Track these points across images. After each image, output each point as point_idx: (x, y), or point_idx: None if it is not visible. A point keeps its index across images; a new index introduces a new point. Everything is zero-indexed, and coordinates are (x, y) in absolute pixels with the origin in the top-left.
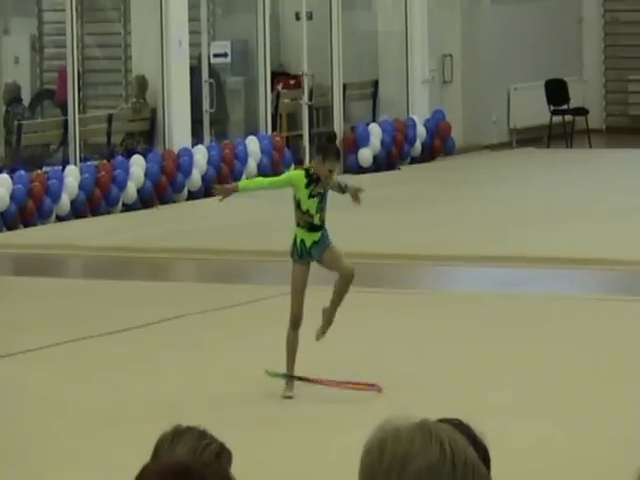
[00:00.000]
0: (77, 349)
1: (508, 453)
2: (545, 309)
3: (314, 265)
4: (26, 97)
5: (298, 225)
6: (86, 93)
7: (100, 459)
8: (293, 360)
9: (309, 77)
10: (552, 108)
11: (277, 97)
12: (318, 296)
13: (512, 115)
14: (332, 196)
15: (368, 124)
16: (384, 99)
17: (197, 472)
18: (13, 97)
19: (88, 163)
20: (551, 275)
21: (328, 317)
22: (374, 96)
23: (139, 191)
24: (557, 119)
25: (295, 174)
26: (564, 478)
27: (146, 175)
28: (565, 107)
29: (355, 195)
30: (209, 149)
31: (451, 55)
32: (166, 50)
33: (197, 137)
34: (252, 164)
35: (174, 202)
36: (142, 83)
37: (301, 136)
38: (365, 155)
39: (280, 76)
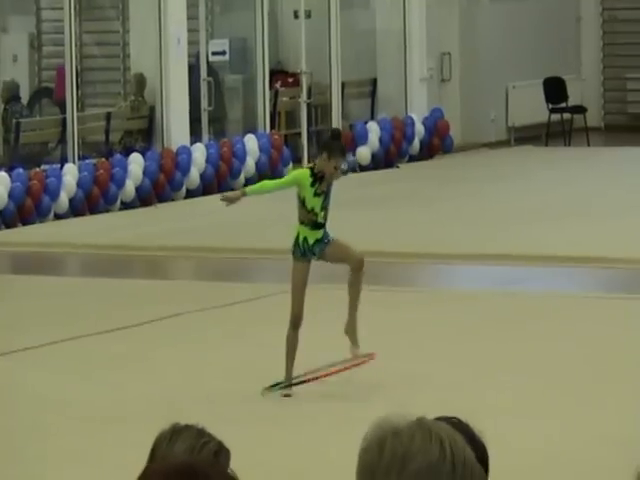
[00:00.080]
0: (76, 347)
1: (507, 451)
2: (544, 307)
3: (314, 263)
4: (24, 95)
5: (302, 223)
6: (84, 91)
7: (99, 457)
8: (293, 360)
9: (307, 75)
10: (550, 106)
11: (275, 95)
12: (319, 295)
13: (510, 113)
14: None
15: (366, 122)
16: (382, 97)
17: (202, 472)
18: (11, 95)
19: (86, 161)
20: (550, 273)
21: (351, 329)
22: (372, 94)
23: (137, 189)
24: (555, 117)
25: (300, 173)
26: (563, 476)
27: (144, 173)
28: (563, 105)
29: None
30: (207, 147)
31: (449, 53)
32: (164, 48)
33: (195, 135)
34: (250, 162)
35: (173, 200)
36: (140, 81)
37: (299, 134)
38: (363, 153)
39: (278, 74)
